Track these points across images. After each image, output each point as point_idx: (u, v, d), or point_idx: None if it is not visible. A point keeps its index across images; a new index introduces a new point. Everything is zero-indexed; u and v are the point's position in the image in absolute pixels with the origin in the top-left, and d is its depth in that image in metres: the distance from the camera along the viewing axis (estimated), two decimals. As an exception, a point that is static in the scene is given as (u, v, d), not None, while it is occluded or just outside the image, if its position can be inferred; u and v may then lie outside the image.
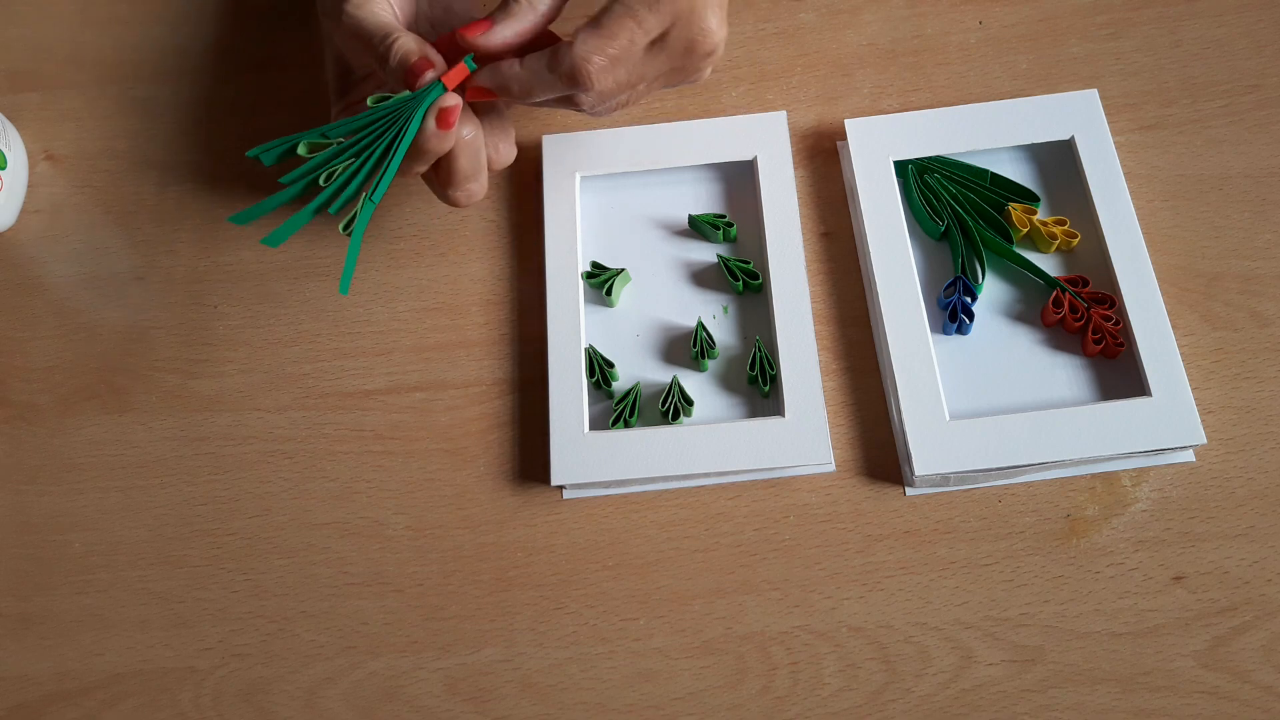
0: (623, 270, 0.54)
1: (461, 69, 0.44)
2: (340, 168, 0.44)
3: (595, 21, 0.43)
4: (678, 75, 0.46)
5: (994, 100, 0.56)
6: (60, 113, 0.63)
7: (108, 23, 0.65)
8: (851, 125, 0.55)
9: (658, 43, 0.44)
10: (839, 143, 0.57)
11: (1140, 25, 0.58)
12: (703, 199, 0.57)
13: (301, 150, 0.44)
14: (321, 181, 0.44)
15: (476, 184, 0.47)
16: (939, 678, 0.46)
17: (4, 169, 0.58)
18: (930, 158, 0.55)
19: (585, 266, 0.54)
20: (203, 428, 0.54)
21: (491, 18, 0.45)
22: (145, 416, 0.54)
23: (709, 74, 0.47)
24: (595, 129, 0.58)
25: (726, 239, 0.55)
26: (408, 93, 0.44)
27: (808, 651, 0.47)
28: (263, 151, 0.45)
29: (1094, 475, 0.49)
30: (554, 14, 0.45)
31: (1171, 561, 0.47)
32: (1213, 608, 0.46)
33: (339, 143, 0.44)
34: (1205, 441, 0.47)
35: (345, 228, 0.44)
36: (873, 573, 0.48)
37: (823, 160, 0.57)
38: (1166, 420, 0.47)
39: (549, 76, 0.44)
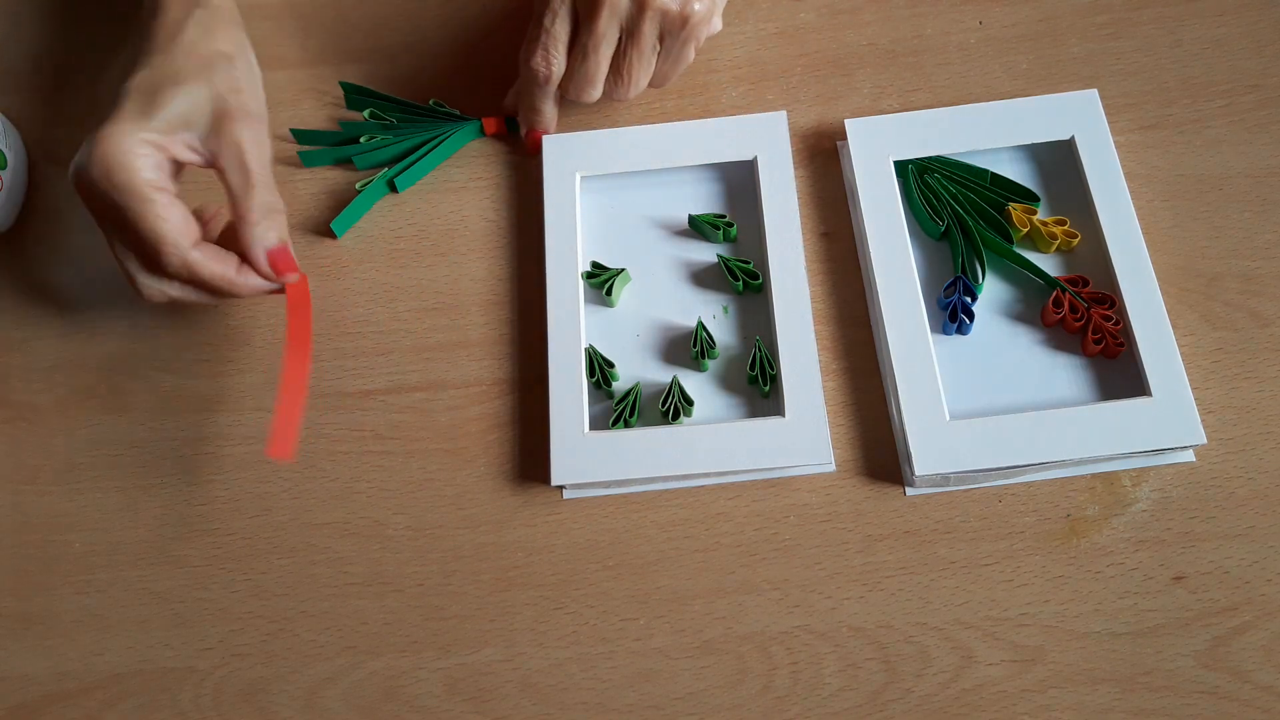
0: (623, 270, 0.54)
1: (495, 124, 0.59)
2: (381, 138, 0.58)
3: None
4: (636, 28, 0.49)
5: (994, 100, 0.56)
6: (60, 113, 0.63)
7: (107, 23, 0.65)
8: (851, 125, 0.55)
9: (580, 12, 0.50)
10: (839, 143, 0.57)
11: (1140, 25, 0.58)
12: (703, 199, 0.57)
13: (365, 114, 0.59)
14: (363, 139, 0.58)
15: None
16: (939, 678, 0.46)
17: (4, 169, 0.58)
18: (930, 158, 0.55)
19: (585, 266, 0.54)
20: (203, 428, 0.54)
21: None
22: (145, 416, 0.54)
23: (694, 9, 0.49)
24: (595, 129, 0.58)
25: (726, 239, 0.55)
26: (458, 112, 0.59)
27: (808, 651, 0.47)
28: (348, 90, 0.59)
29: (1094, 475, 0.49)
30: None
31: (1171, 561, 0.47)
32: (1213, 608, 0.46)
33: (393, 121, 0.59)
34: (1205, 441, 0.47)
35: (359, 184, 0.57)
36: (873, 573, 0.48)
37: (823, 160, 0.57)
38: (1166, 420, 0.47)
39: (528, 89, 0.54)
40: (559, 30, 0.50)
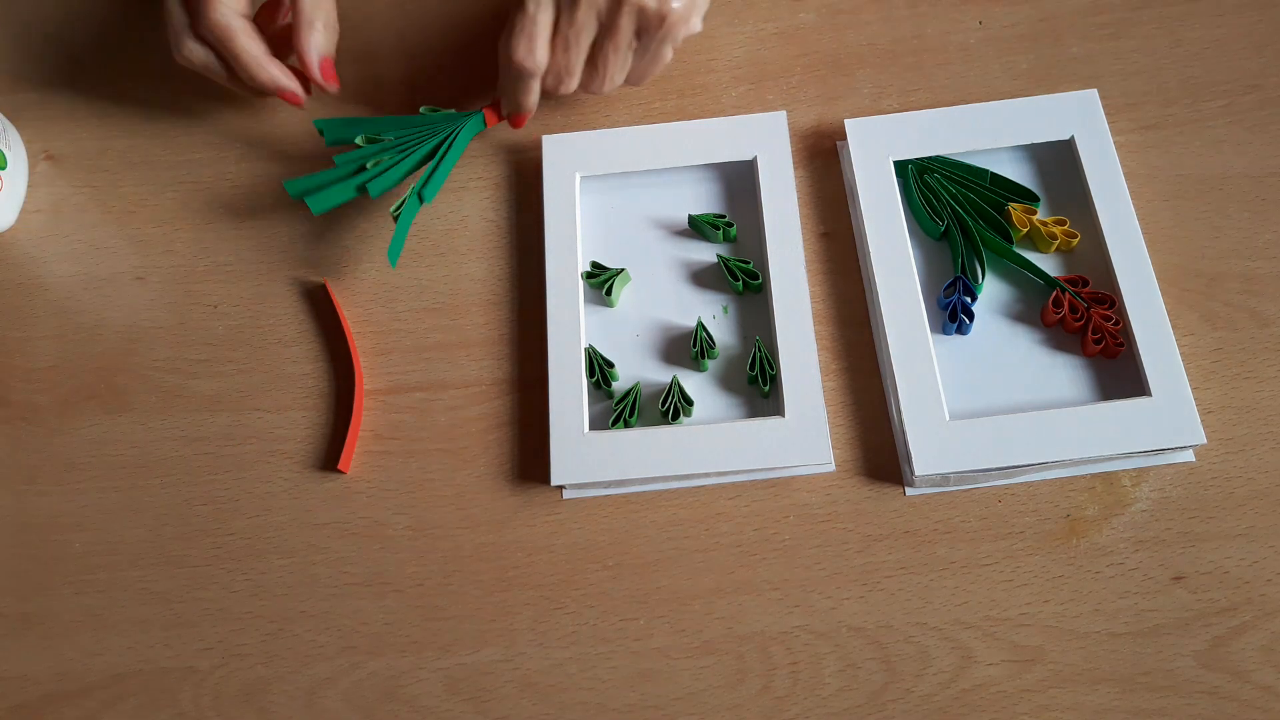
0: (623, 270, 0.54)
1: (495, 115, 0.56)
2: (385, 158, 0.53)
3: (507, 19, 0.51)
4: (614, 20, 0.49)
5: (994, 100, 0.56)
6: (60, 113, 0.63)
7: (107, 22, 0.65)
8: (851, 125, 0.55)
9: (562, 1, 0.49)
10: (839, 143, 0.57)
11: (1140, 25, 0.58)
12: (703, 199, 0.57)
13: (358, 140, 0.54)
14: (369, 165, 0.53)
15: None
16: (939, 678, 0.46)
17: (4, 169, 0.58)
18: (930, 158, 0.55)
19: (585, 266, 0.54)
20: (203, 428, 0.54)
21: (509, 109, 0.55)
22: (145, 416, 0.54)
23: (671, 6, 0.49)
24: (595, 129, 0.58)
25: (726, 239, 0.55)
26: (454, 112, 0.56)
27: (808, 651, 0.47)
28: (327, 126, 0.55)
29: (1094, 475, 0.49)
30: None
31: (1171, 561, 0.47)
32: (1213, 608, 0.46)
33: (390, 139, 0.54)
34: (1205, 441, 0.47)
35: (394, 210, 0.53)
36: (873, 573, 0.48)
37: (823, 160, 0.57)
38: (1166, 420, 0.47)
39: (510, 79, 0.52)
40: (543, 19, 0.50)
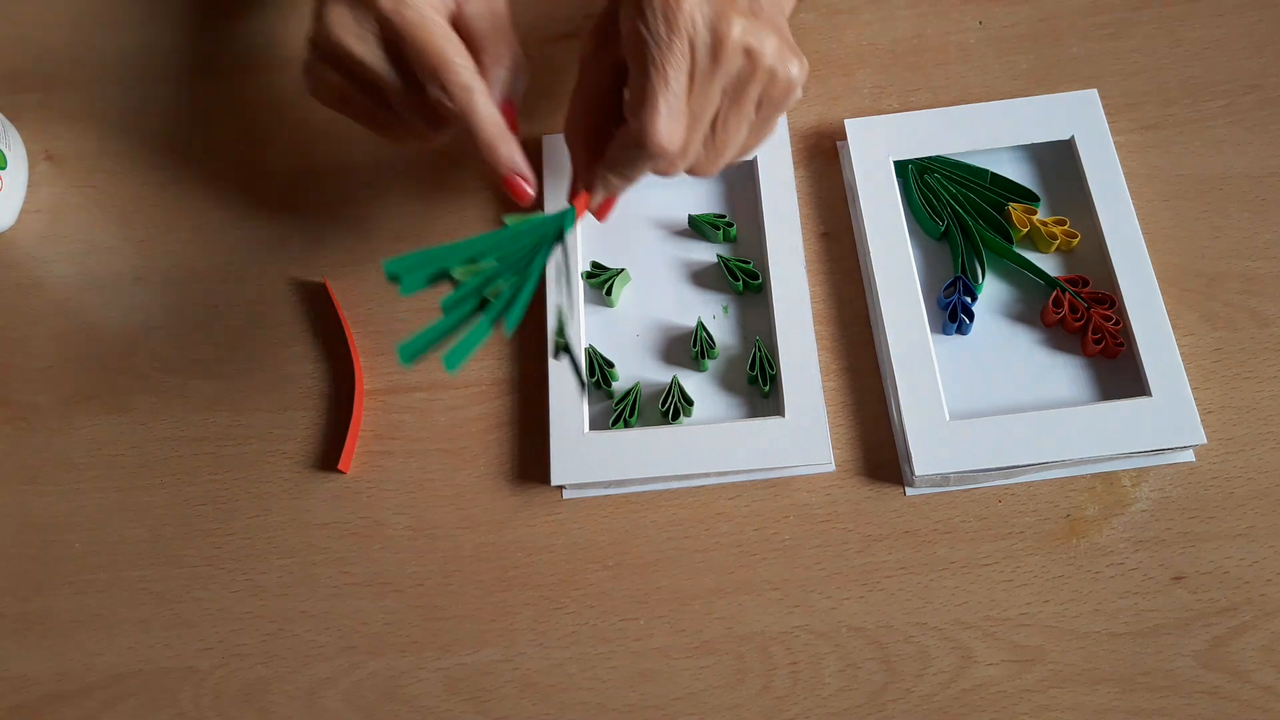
0: (623, 270, 0.54)
1: (585, 197, 0.46)
2: (501, 284, 0.43)
3: (633, 90, 0.42)
4: (742, 90, 0.42)
5: (994, 100, 0.56)
6: (60, 113, 0.63)
7: (108, 23, 0.66)
8: (851, 125, 0.55)
9: (696, 70, 0.41)
10: (839, 143, 0.57)
11: (1140, 25, 0.58)
12: (703, 199, 0.57)
13: (457, 275, 0.43)
14: (490, 296, 0.43)
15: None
16: (939, 678, 0.46)
17: (4, 169, 0.58)
18: (930, 158, 0.55)
19: (585, 266, 0.54)
20: (203, 428, 0.54)
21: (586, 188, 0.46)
22: (145, 416, 0.54)
23: (794, 74, 0.42)
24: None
25: (726, 239, 0.55)
26: (541, 215, 0.44)
27: (808, 651, 0.47)
28: (402, 269, 0.42)
29: (1094, 475, 0.49)
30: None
31: (1171, 561, 0.47)
32: (1213, 608, 0.46)
33: (494, 263, 0.43)
34: (1205, 441, 0.47)
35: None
36: (873, 573, 0.48)
37: (823, 160, 0.57)
38: (1166, 420, 0.47)
39: (632, 156, 0.43)
40: (681, 89, 0.40)
